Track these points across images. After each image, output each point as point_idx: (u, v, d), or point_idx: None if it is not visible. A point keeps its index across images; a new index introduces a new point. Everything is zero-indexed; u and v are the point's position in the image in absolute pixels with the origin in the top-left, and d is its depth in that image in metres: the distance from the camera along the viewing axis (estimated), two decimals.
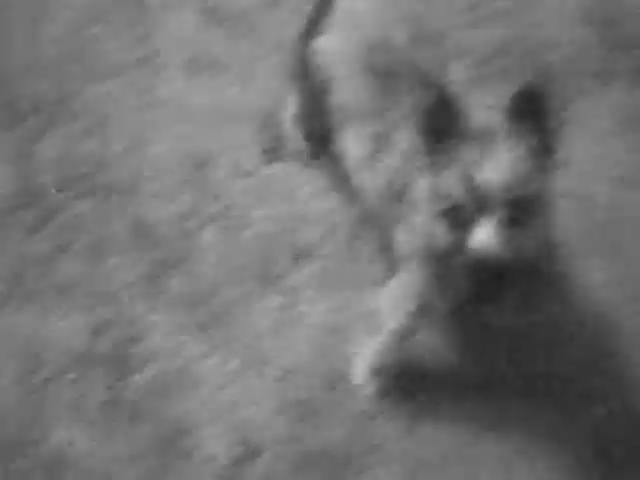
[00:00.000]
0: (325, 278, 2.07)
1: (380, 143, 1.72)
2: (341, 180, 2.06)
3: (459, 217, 1.40)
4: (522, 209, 1.39)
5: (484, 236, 1.37)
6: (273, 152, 2.22)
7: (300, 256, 2.10)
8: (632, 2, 2.43)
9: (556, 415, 1.87)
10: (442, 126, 1.42)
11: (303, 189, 2.18)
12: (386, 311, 1.81)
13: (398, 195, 1.67)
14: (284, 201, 2.17)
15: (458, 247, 1.40)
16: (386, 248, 1.82)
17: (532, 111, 1.40)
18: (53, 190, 2.16)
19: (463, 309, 1.66)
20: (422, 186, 1.51)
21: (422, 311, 1.68)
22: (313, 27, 1.84)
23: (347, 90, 1.80)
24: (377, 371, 1.89)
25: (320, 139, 2.08)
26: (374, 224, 1.97)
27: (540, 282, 1.84)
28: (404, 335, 1.82)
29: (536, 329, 1.95)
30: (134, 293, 2.04)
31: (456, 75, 2.08)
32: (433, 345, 1.92)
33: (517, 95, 1.39)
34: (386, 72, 1.71)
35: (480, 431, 1.86)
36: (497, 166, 1.38)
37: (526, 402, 1.88)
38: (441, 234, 1.44)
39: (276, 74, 2.28)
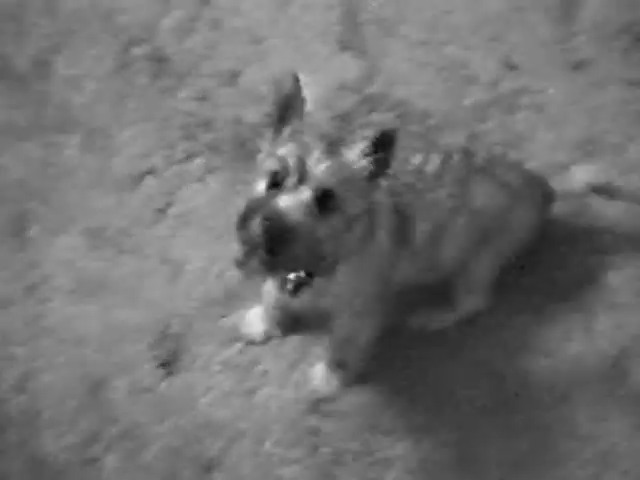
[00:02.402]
0: None
1: None
2: None
3: (280, 179, 1.76)
4: (331, 201, 1.76)
5: (294, 199, 1.72)
6: (170, 365, 2.39)
7: (208, 467, 2.24)
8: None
9: None
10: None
11: (204, 398, 2.34)
12: None
13: None
14: (186, 413, 2.32)
15: (268, 198, 1.75)
16: None
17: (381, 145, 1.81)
18: None
19: None
20: None
21: None
22: None
23: None
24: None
25: None
26: None
27: None
28: None
29: None
30: None
31: None
32: None
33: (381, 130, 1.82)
34: None
35: None
36: (329, 159, 1.77)
37: None
38: (260, 187, 1.81)
39: (165, 289, 2.50)
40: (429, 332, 2.40)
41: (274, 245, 1.72)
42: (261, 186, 1.82)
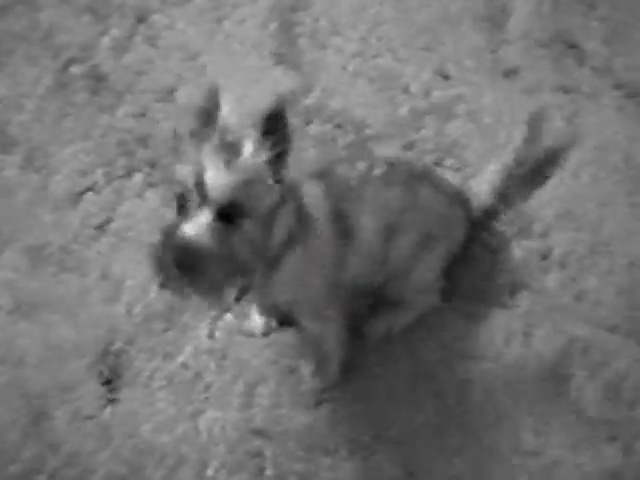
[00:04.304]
0: None
1: None
2: None
3: (184, 203, 1.73)
4: (235, 211, 1.72)
5: (195, 225, 1.69)
6: (112, 382, 2.31)
7: None
8: None
9: None
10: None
11: (147, 424, 2.27)
12: None
13: None
14: (129, 439, 2.25)
15: (173, 229, 1.71)
16: None
17: (273, 130, 1.74)
18: None
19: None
20: None
21: None
22: None
23: None
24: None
25: None
26: None
27: None
28: None
29: None
30: None
31: None
32: None
33: (265, 115, 1.72)
34: None
35: None
36: (224, 171, 1.71)
37: None
38: (168, 215, 1.79)
39: (106, 306, 2.43)
40: (392, 337, 2.37)
41: (190, 276, 1.72)
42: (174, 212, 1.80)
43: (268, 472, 2.20)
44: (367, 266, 2.18)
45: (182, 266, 1.70)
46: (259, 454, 2.22)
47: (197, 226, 1.70)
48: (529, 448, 2.24)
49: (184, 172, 1.75)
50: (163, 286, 1.80)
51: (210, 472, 2.20)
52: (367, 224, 2.11)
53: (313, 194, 2.01)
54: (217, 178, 1.72)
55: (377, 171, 2.15)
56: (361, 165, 2.16)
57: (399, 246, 2.20)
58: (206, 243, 1.70)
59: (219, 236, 1.71)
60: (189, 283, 1.74)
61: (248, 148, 1.76)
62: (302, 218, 1.96)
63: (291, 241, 1.92)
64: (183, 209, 1.75)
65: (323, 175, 2.08)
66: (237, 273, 1.77)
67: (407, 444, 2.25)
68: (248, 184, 1.75)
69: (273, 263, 1.90)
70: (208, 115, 1.80)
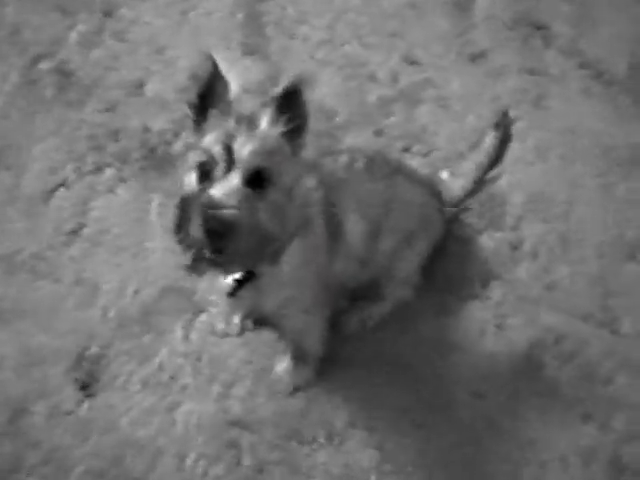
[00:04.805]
0: None
1: None
2: None
3: (209, 169, 1.70)
4: (263, 177, 1.72)
5: (224, 187, 1.66)
6: (89, 387, 2.32)
7: None
8: None
9: None
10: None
11: (124, 418, 2.28)
12: None
13: None
14: (107, 433, 2.26)
15: (199, 194, 1.68)
16: None
17: (290, 105, 1.75)
18: None
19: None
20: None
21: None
22: None
23: None
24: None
25: None
26: None
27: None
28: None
29: None
30: None
31: None
32: None
33: (282, 90, 1.75)
34: None
35: None
36: (251, 138, 1.71)
37: None
38: (190, 182, 1.75)
39: (81, 311, 2.42)
40: (366, 329, 2.38)
41: (219, 243, 1.66)
42: (190, 180, 1.76)
43: (246, 462, 2.22)
44: (353, 266, 2.18)
45: (211, 232, 1.66)
46: (236, 444, 2.24)
47: (226, 188, 1.67)
48: (504, 428, 2.26)
49: (210, 139, 1.74)
50: (190, 268, 1.75)
51: (189, 462, 2.22)
52: (354, 227, 2.10)
53: (308, 185, 2.00)
54: (246, 144, 1.72)
55: (358, 164, 2.15)
56: (343, 158, 2.15)
57: (383, 246, 2.21)
58: (235, 206, 1.66)
59: (247, 201, 1.68)
60: (217, 252, 1.69)
61: (264, 121, 1.77)
62: (307, 216, 1.96)
63: (294, 232, 1.91)
64: (207, 177, 1.72)
65: (314, 167, 2.06)
66: (260, 246, 1.73)
67: (383, 430, 2.26)
68: (274, 153, 1.76)
69: (275, 256, 1.86)
70: (209, 85, 1.80)
